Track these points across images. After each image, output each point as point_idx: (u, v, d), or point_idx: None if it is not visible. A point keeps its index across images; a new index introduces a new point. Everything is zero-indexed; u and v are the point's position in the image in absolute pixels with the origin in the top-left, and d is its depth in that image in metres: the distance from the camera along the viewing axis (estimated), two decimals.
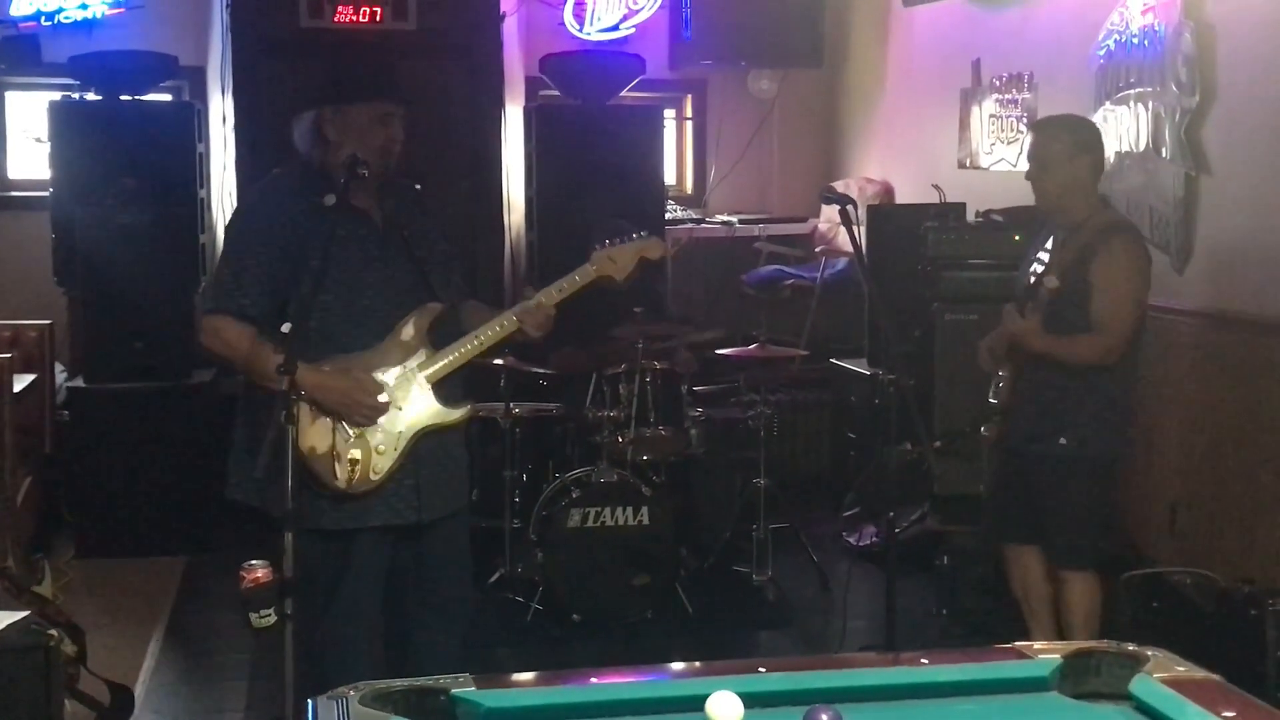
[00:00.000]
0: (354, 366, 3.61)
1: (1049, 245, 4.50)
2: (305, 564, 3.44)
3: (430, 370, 3.68)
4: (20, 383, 6.06)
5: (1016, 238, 5.60)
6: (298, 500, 3.23)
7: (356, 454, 3.59)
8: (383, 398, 3.61)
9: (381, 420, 3.62)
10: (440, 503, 3.76)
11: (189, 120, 7.01)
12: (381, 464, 3.61)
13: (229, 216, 3.82)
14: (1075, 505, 4.45)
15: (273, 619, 3.17)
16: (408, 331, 3.67)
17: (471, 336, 3.72)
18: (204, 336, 3.67)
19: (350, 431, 3.59)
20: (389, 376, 3.64)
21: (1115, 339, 4.31)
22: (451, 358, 3.70)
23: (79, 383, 6.69)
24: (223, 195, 7.40)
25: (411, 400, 3.65)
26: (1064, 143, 4.42)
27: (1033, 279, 4.49)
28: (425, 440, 3.68)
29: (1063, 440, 4.37)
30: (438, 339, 3.71)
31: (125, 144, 6.74)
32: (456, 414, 3.74)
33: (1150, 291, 4.47)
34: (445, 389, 3.72)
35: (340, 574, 3.69)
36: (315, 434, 3.55)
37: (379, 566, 3.76)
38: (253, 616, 4.00)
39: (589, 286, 3.83)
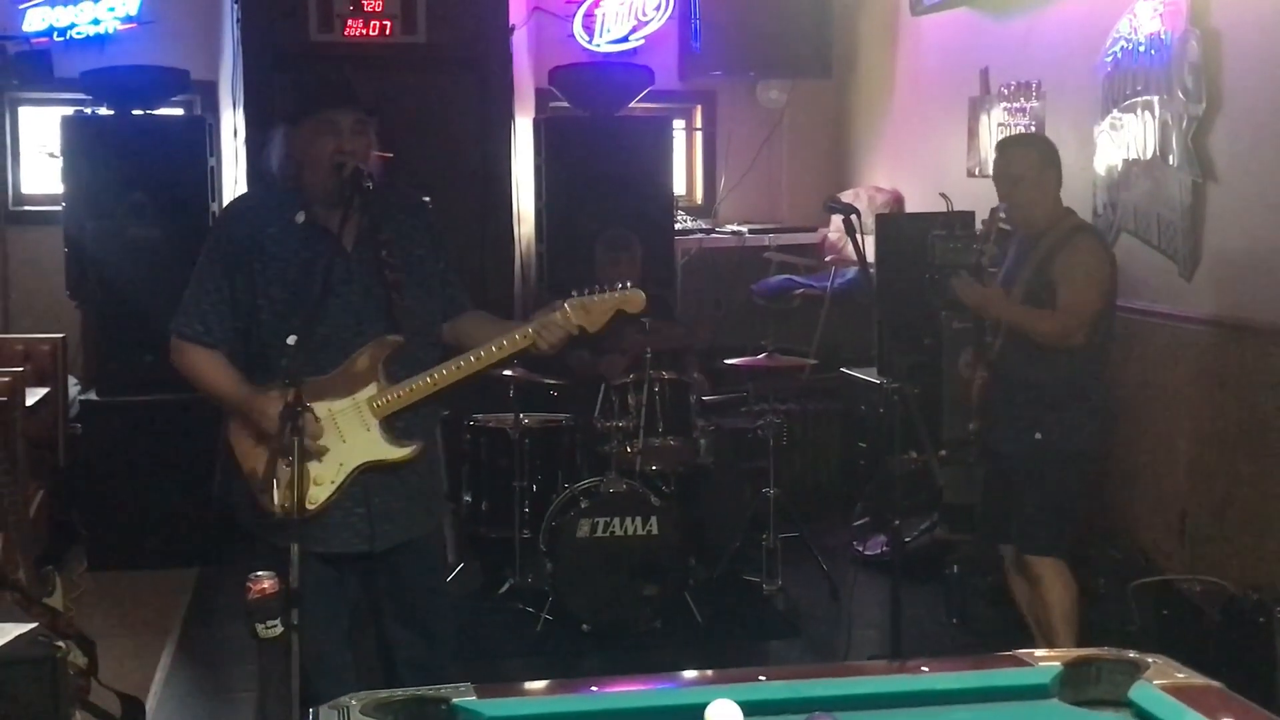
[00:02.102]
0: (306, 393, 3.41)
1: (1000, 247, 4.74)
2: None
3: (380, 405, 3.54)
4: (33, 396, 6.09)
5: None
6: (257, 516, 3.27)
7: (293, 481, 3.36)
8: (322, 441, 3.47)
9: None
10: (395, 531, 3.65)
11: (200, 134, 7.03)
12: (318, 494, 3.49)
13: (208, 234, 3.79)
14: (1046, 495, 4.56)
15: (279, 629, 3.17)
16: (362, 363, 3.54)
17: (426, 375, 3.55)
18: (171, 356, 3.67)
19: (288, 459, 3.37)
20: (337, 407, 3.52)
21: (1075, 319, 4.48)
22: (402, 394, 3.55)
23: (91, 395, 6.73)
24: None
25: (355, 434, 3.53)
26: (1033, 159, 4.65)
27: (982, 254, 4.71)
28: (374, 472, 3.57)
29: (1038, 435, 4.53)
30: (396, 371, 3.57)
31: (137, 158, 6.76)
32: (402, 451, 3.58)
33: (1127, 295, 4.76)
34: (398, 424, 3.58)
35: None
36: (257, 456, 3.50)
37: (335, 591, 3.65)
38: (259, 627, 4.01)
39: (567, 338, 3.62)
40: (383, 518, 3.61)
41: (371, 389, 3.54)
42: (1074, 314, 4.47)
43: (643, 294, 3.66)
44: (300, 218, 3.47)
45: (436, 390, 3.57)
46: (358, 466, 3.54)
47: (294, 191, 3.60)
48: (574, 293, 3.61)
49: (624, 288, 3.64)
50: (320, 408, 3.46)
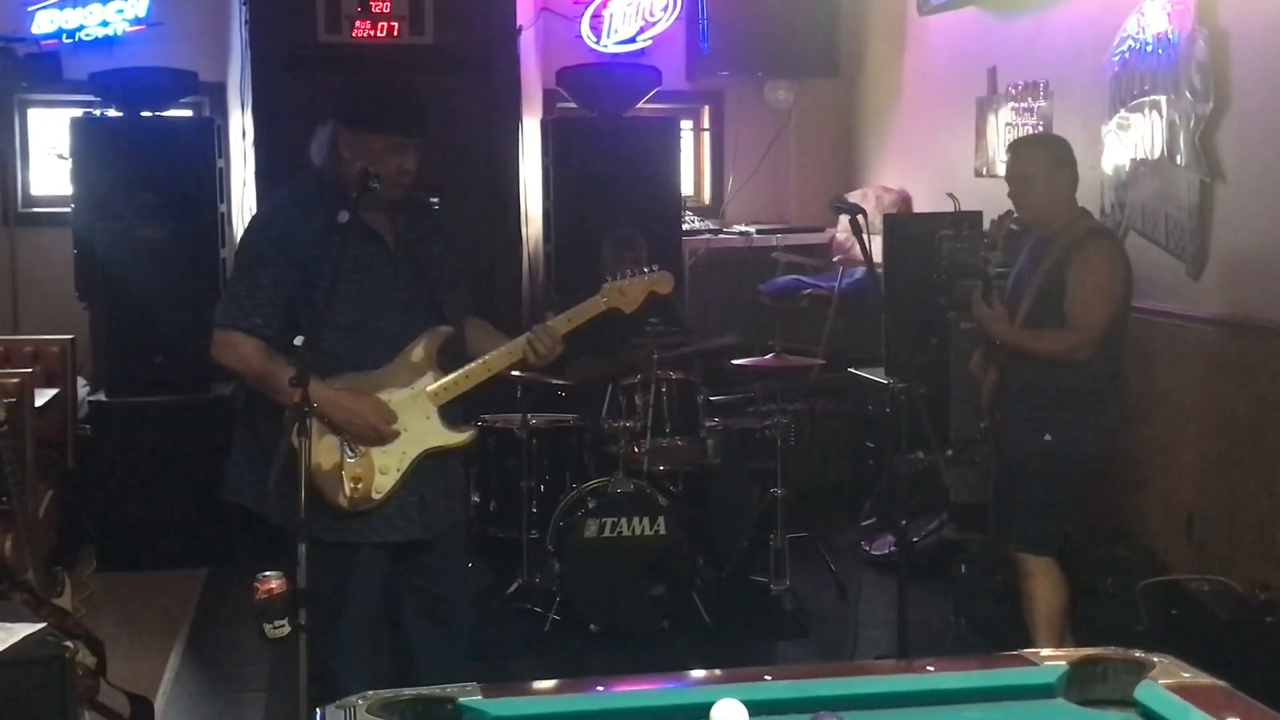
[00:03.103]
0: (363, 385, 3.63)
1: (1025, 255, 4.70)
2: (311, 575, 3.48)
3: (438, 393, 3.69)
4: (42, 397, 6.10)
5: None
6: (308, 512, 3.27)
7: (359, 472, 3.61)
8: (394, 426, 3.63)
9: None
10: (440, 518, 3.79)
11: (209, 135, 7.05)
12: (384, 484, 3.63)
13: (247, 227, 3.81)
14: (1046, 494, 4.56)
15: (286, 629, 3.19)
16: (418, 353, 3.68)
17: (480, 361, 3.73)
18: (216, 350, 3.68)
19: (355, 450, 3.61)
20: (397, 397, 3.65)
21: (1084, 335, 4.43)
22: (460, 380, 3.71)
23: (100, 397, 6.74)
24: (243, 210, 7.44)
25: (417, 422, 3.67)
26: (1043, 159, 4.60)
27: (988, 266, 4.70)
28: (427, 460, 3.70)
29: (1048, 437, 4.50)
30: (445, 361, 3.72)
31: (146, 160, 6.79)
32: (460, 437, 3.76)
33: (1134, 295, 4.61)
34: (448, 411, 3.73)
35: (342, 586, 3.70)
36: (322, 451, 3.56)
37: (379, 581, 3.77)
38: (266, 627, 4.05)
39: (598, 317, 3.89)
40: (434, 505, 3.74)
41: (429, 378, 3.68)
42: (1082, 329, 4.42)
43: (671, 276, 3.92)
44: (344, 217, 3.52)
45: (490, 376, 3.73)
46: (420, 454, 3.66)
47: (336, 190, 3.64)
48: (608, 278, 3.89)
49: (654, 270, 3.91)
50: (381, 398, 3.61)
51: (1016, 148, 4.83)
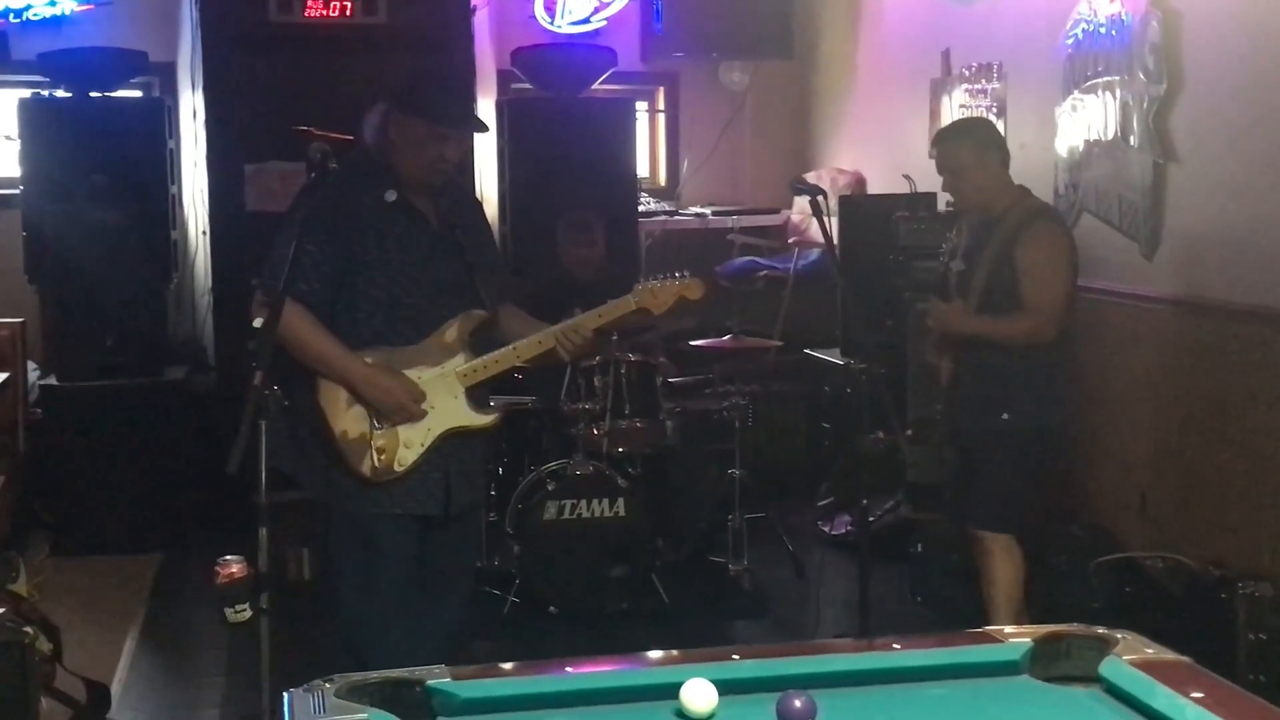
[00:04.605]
0: (395, 361, 3.71)
1: (959, 238, 4.75)
2: (333, 545, 3.77)
3: (467, 374, 3.78)
4: None
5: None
6: (331, 481, 3.55)
7: (384, 444, 3.71)
8: (423, 405, 3.72)
9: None
10: (465, 497, 3.88)
11: (159, 116, 6.99)
12: (407, 457, 3.72)
13: (297, 197, 3.81)
14: (1005, 473, 4.59)
15: (248, 614, 3.18)
16: (451, 334, 3.78)
17: (511, 348, 3.83)
18: (259, 312, 3.65)
19: (381, 423, 3.70)
20: (427, 375, 3.74)
21: (1044, 318, 4.48)
22: (489, 364, 3.80)
23: (51, 381, 6.67)
24: (194, 191, 7.37)
25: (445, 401, 3.76)
26: (968, 147, 4.62)
27: (948, 270, 4.73)
28: (453, 438, 3.78)
29: (1005, 416, 4.54)
30: (477, 344, 3.82)
31: (96, 141, 6.72)
32: (485, 419, 3.85)
33: (1088, 275, 4.73)
34: (475, 393, 3.82)
35: (370, 560, 3.77)
36: (349, 420, 3.68)
37: (408, 552, 3.83)
38: (228, 612, 4.00)
39: (627, 318, 4.01)
40: (457, 483, 3.83)
41: (459, 359, 3.78)
42: (1041, 313, 4.46)
43: (702, 283, 4.05)
44: (391, 196, 3.68)
45: (519, 363, 3.85)
46: (444, 432, 3.75)
47: (384, 169, 3.75)
48: (640, 280, 3.99)
49: (684, 275, 4.01)
50: (411, 375, 3.71)
51: (940, 142, 4.78)
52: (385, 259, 3.68)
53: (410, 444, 3.71)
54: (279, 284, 3.57)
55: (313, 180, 3.57)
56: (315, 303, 3.67)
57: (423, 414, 3.72)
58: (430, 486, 3.78)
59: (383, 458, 3.69)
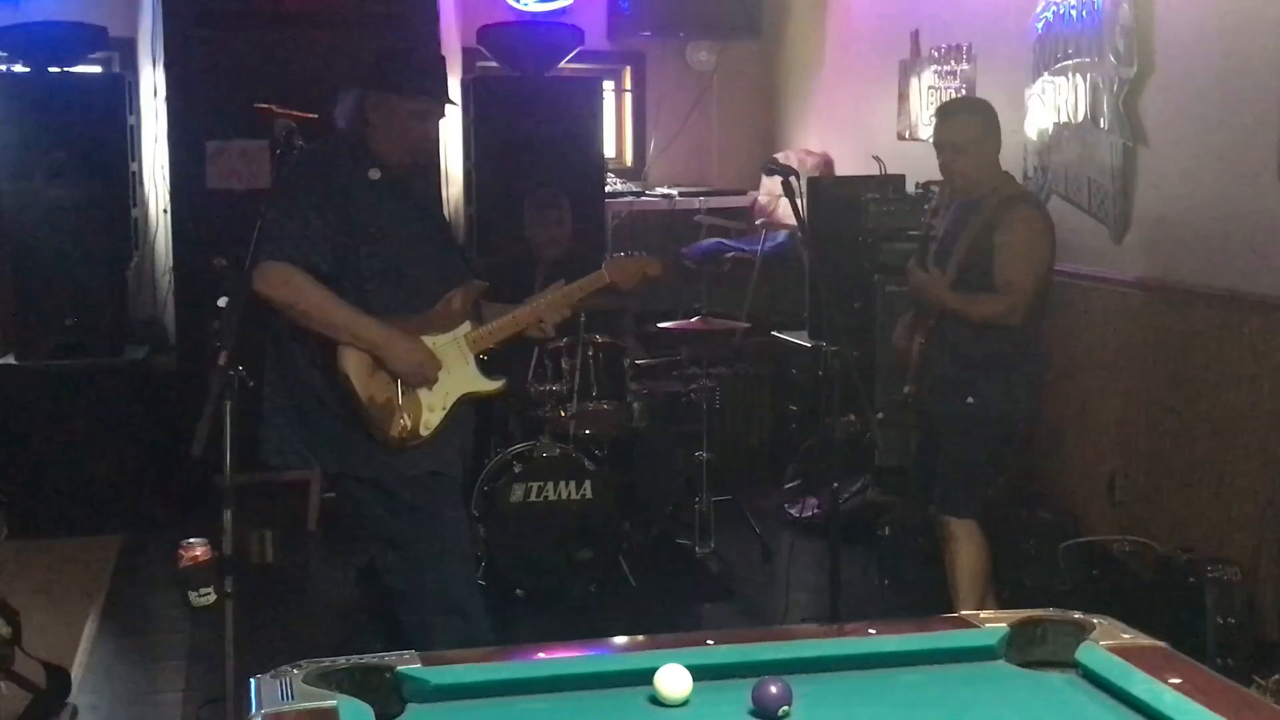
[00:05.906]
0: (408, 329, 3.77)
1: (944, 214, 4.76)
2: (354, 512, 3.84)
3: (476, 340, 3.89)
4: None
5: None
6: (350, 449, 3.62)
7: (411, 408, 3.77)
8: (441, 373, 3.81)
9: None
10: (462, 462, 4.01)
11: (119, 92, 6.90)
12: (432, 420, 3.80)
13: (284, 172, 3.78)
14: (969, 457, 4.60)
15: (212, 597, 3.14)
16: (457, 302, 3.87)
17: (509, 316, 3.94)
18: (266, 284, 3.62)
19: (403, 388, 3.76)
20: (440, 341, 3.83)
21: (1016, 298, 4.48)
22: (494, 330, 3.91)
23: (10, 360, 6.59)
24: (154, 168, 7.29)
25: (458, 366, 3.86)
26: (977, 126, 4.61)
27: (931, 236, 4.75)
28: (463, 404, 3.89)
29: (971, 400, 4.55)
30: (476, 313, 3.93)
31: (54, 117, 6.63)
32: (495, 385, 3.95)
33: (1057, 258, 4.65)
34: (484, 360, 3.93)
35: (419, 520, 3.80)
36: (375, 385, 3.72)
37: (452, 501, 3.91)
38: (192, 595, 3.97)
39: (600, 290, 4.16)
40: (464, 447, 3.98)
41: (466, 326, 3.88)
42: (1014, 292, 4.46)
43: (661, 263, 4.26)
44: (375, 174, 3.73)
45: (518, 330, 3.96)
46: (461, 396, 3.86)
47: (363, 150, 3.77)
48: (609, 255, 4.21)
49: (643, 254, 4.25)
50: (424, 341, 3.79)
51: (948, 114, 4.77)
52: (384, 232, 3.72)
53: (433, 407, 3.80)
54: (289, 256, 3.59)
55: (294, 155, 3.60)
56: (327, 273, 3.67)
57: (437, 379, 3.79)
58: (452, 448, 3.88)
59: (409, 421, 3.76)
